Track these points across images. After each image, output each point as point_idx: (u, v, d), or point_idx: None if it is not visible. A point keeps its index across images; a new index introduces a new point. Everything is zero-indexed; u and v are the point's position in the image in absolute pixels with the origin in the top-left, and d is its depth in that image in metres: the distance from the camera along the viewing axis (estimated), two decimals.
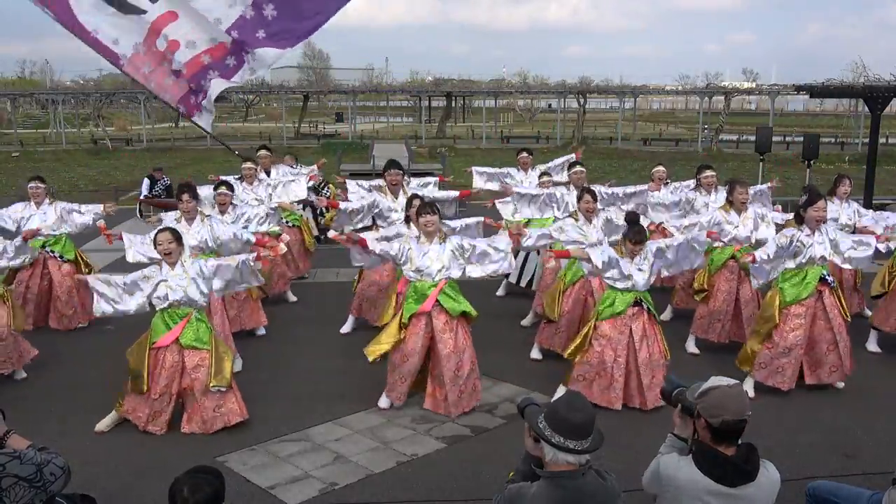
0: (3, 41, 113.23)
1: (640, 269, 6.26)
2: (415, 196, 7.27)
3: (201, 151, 34.50)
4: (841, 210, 8.35)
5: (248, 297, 8.07)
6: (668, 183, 9.47)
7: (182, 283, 5.86)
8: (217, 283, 6.09)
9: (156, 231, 6.20)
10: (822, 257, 6.53)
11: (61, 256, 8.53)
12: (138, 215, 16.19)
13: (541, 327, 7.65)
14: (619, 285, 6.27)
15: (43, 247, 8.44)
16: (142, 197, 16.42)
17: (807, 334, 6.56)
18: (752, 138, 19.29)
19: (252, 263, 6.22)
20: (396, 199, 8.10)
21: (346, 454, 5.58)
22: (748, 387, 6.55)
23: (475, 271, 6.40)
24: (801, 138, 17.66)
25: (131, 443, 5.76)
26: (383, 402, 6.35)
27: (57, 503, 2.91)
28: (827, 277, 6.64)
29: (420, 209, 6.37)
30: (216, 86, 7.50)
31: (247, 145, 30.27)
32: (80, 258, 8.76)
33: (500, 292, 9.95)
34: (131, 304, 5.89)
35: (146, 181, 16.64)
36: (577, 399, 3.01)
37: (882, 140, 28.19)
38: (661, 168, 9.62)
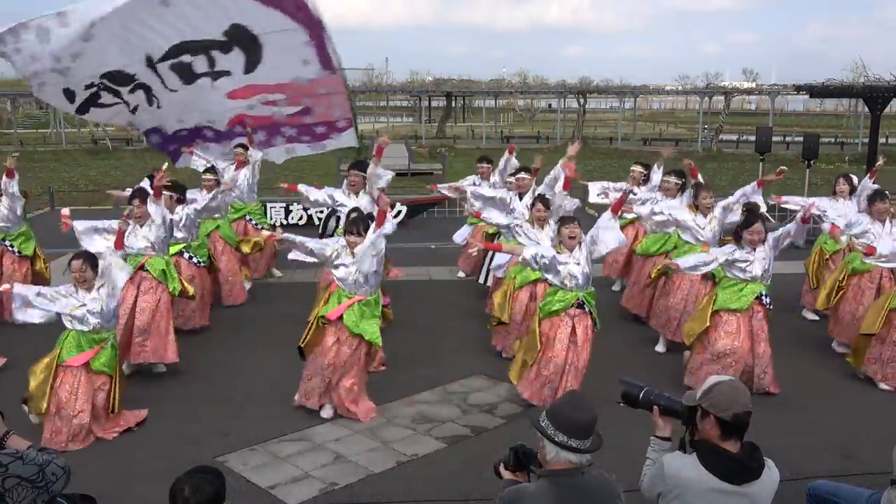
0: None
1: (577, 263, 6.20)
2: (355, 209, 7.16)
3: None
4: (845, 208, 8.36)
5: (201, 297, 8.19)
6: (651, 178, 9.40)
7: (96, 306, 5.74)
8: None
9: (70, 258, 5.91)
10: (763, 273, 6.52)
11: (19, 252, 8.57)
12: None
13: (494, 328, 7.61)
14: (557, 281, 6.23)
15: (2, 240, 8.52)
16: None
17: (742, 347, 6.47)
18: (752, 138, 19.30)
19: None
20: (357, 197, 8.32)
21: (346, 454, 5.59)
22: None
23: None
24: (801, 138, 17.65)
25: (131, 443, 5.77)
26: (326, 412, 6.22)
27: (57, 503, 2.91)
28: (764, 298, 6.61)
29: (346, 226, 6.29)
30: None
31: None
32: (38, 253, 8.83)
33: None
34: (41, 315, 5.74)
35: (146, 181, 16.61)
36: (579, 399, 3.04)
37: (882, 140, 28.18)
38: (637, 168, 9.70)
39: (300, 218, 14.75)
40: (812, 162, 14.66)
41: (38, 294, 5.76)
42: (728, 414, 3.02)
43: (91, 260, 5.83)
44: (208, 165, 9.07)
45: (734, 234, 6.71)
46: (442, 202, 16.37)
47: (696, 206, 7.75)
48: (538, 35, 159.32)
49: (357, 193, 8.36)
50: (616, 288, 9.92)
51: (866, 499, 3.92)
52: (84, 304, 5.72)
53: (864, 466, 5.29)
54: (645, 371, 7.00)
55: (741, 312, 6.51)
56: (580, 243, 6.22)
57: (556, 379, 6.22)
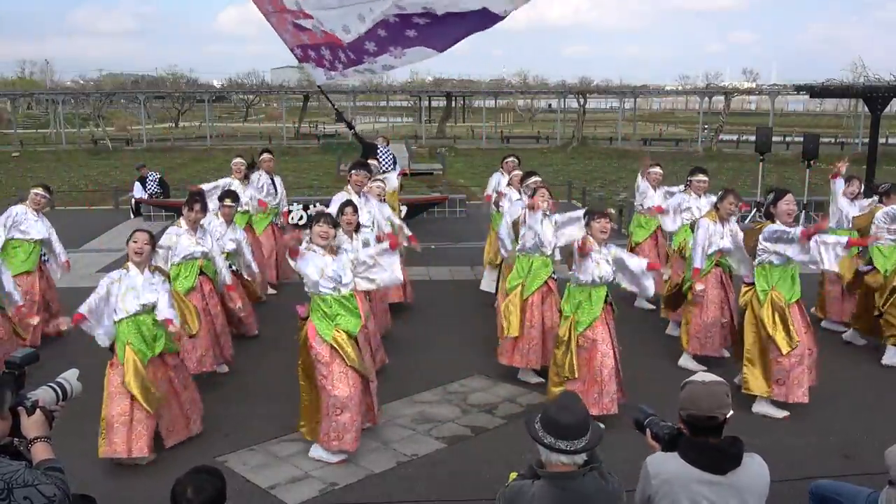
0: (3, 41, 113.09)
1: (606, 260, 6.02)
2: (348, 203, 6.92)
3: (201, 151, 34.50)
4: (850, 208, 8.30)
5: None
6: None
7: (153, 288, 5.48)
8: None
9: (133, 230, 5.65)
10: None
11: (46, 260, 8.41)
12: (132, 216, 16.16)
13: (504, 346, 7.02)
14: (587, 279, 5.97)
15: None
16: (141, 198, 16.38)
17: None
18: (752, 138, 19.31)
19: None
20: (359, 198, 7.82)
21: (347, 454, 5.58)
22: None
23: (362, 284, 5.91)
24: (801, 138, 17.67)
25: None
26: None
27: None
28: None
29: (315, 217, 5.76)
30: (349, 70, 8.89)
31: (247, 146, 30.33)
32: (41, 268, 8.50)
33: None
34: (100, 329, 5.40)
35: (137, 184, 16.68)
36: (568, 400, 3.03)
37: (882, 140, 28.18)
38: (657, 170, 9.29)
39: (300, 218, 14.76)
40: (812, 162, 14.67)
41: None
42: (685, 413, 3.08)
43: (153, 238, 5.60)
44: (227, 190, 8.40)
45: (766, 214, 6.46)
46: (442, 202, 16.39)
47: (716, 210, 7.25)
48: (538, 35, 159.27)
49: (360, 195, 7.93)
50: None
51: (865, 498, 3.93)
52: (134, 287, 5.41)
53: (864, 467, 5.28)
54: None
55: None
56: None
57: (597, 382, 5.95)
